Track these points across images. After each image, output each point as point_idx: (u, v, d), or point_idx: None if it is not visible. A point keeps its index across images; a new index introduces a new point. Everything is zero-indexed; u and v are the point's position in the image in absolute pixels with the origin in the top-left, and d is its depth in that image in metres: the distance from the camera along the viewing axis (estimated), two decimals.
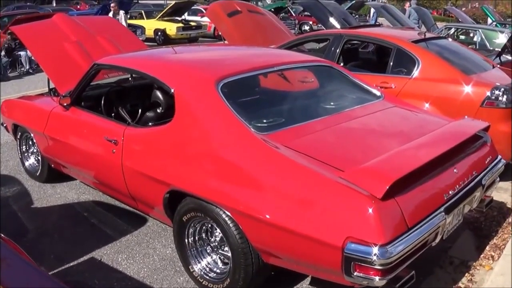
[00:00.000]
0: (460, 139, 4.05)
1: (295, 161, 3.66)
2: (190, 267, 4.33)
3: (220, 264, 4.35)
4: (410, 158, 3.68)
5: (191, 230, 4.38)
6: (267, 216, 3.62)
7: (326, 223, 3.42)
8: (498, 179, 4.68)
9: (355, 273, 3.33)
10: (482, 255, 4.89)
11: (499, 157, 4.65)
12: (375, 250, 3.20)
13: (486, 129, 4.59)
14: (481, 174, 4.27)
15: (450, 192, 3.81)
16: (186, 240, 4.44)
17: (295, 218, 3.52)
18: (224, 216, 3.90)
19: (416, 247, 3.47)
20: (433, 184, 3.72)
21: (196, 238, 4.40)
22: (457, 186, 3.91)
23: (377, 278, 3.31)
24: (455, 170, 3.96)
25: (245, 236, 3.84)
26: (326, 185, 3.47)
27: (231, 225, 3.86)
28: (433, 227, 3.54)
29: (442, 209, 3.70)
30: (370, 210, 3.26)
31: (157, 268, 4.81)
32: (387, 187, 3.26)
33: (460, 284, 4.47)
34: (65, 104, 5.67)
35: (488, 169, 4.38)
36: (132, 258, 4.96)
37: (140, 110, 5.96)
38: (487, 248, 5.00)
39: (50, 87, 7.00)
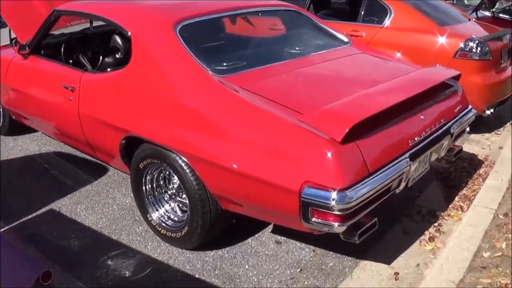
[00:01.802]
0: (427, 86, 3.82)
1: (253, 104, 3.43)
2: (148, 215, 4.23)
3: (178, 212, 4.15)
4: (373, 102, 3.44)
5: (148, 177, 4.17)
6: (223, 161, 3.41)
7: (283, 167, 3.20)
8: (468, 129, 4.48)
9: (313, 219, 3.13)
10: (451, 206, 4.71)
11: (470, 107, 4.45)
12: (334, 194, 3.00)
13: (457, 78, 4.37)
14: (450, 123, 4.05)
15: (416, 139, 3.60)
16: (144, 188, 4.24)
17: (251, 162, 3.31)
18: (180, 162, 3.69)
19: (378, 193, 3.26)
20: (397, 130, 3.50)
21: (154, 185, 4.19)
22: (424, 133, 3.69)
23: (336, 224, 3.11)
24: (422, 117, 3.75)
25: (202, 182, 3.63)
26: (284, 128, 3.24)
27: (187, 171, 3.65)
28: (397, 173, 3.33)
29: (406, 155, 3.48)
30: (329, 154, 3.04)
31: (116, 218, 4.62)
32: (347, 130, 3.03)
33: (426, 233, 4.27)
34: (24, 53, 5.34)
35: (457, 118, 4.16)
36: (91, 209, 4.77)
37: (101, 57, 5.68)
38: (456, 198, 4.83)
39: (12, 38, 6.66)
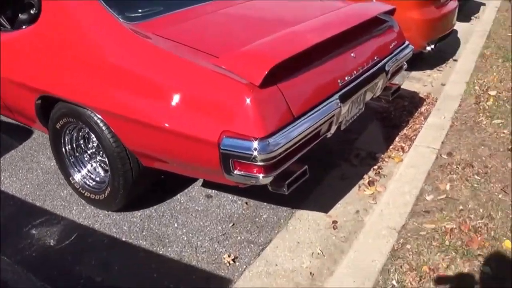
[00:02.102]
0: (357, 21, 3.52)
1: (165, 50, 3.08)
2: (70, 178, 3.94)
3: (101, 172, 3.86)
4: (296, 41, 3.13)
5: (67, 138, 3.84)
6: (137, 115, 3.08)
7: (200, 118, 2.90)
8: (405, 65, 4.23)
9: (236, 172, 2.87)
10: (391, 147, 4.50)
11: (406, 42, 4.18)
12: (255, 144, 2.72)
13: (392, 12, 4.08)
14: (384, 60, 3.80)
15: (347, 78, 3.33)
16: (64, 149, 3.92)
17: (166, 114, 2.99)
18: (95, 119, 3.36)
19: (306, 139, 3.01)
20: (325, 70, 3.22)
21: (74, 145, 3.88)
22: (355, 72, 3.43)
23: (260, 176, 2.85)
24: (352, 55, 3.47)
25: (119, 139, 3.30)
26: (197, 75, 2.93)
27: (103, 128, 3.33)
28: (325, 116, 3.07)
29: (336, 96, 3.21)
30: (248, 100, 2.75)
31: (41, 183, 4.29)
32: (265, 73, 2.74)
33: (366, 177, 4.06)
34: None
35: (392, 54, 3.90)
36: (15, 176, 4.42)
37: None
38: (397, 139, 4.61)
39: None
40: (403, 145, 4.43)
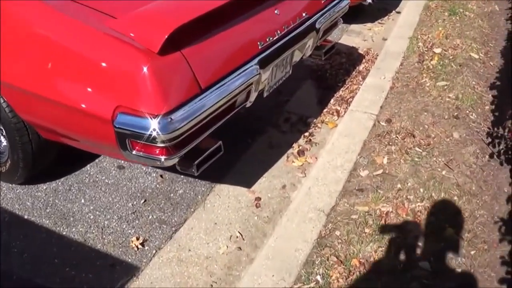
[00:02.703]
0: None
1: (57, 10, 2.55)
2: None
3: (3, 141, 3.33)
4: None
5: None
6: (24, 84, 2.66)
7: (92, 89, 2.47)
8: (341, 21, 3.79)
9: (134, 152, 2.46)
10: (325, 110, 4.09)
11: None
12: (153, 123, 2.29)
13: None
14: (315, 17, 3.34)
15: (268, 40, 2.88)
16: None
17: (54, 83, 2.56)
18: None
19: (217, 113, 2.57)
20: (241, 31, 2.75)
21: None
22: (279, 31, 2.97)
23: (162, 158, 2.45)
24: (276, 12, 3.00)
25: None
26: (89, 39, 2.44)
27: None
28: (240, 86, 2.64)
29: (255, 61, 2.77)
30: (144, 70, 2.29)
31: None
32: (166, 37, 2.28)
33: (295, 146, 3.65)
34: None
35: (325, 10, 3.44)
36: None
37: None
38: (332, 101, 4.20)
39: None
40: (339, 108, 4.02)
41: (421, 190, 3.09)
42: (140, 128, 2.32)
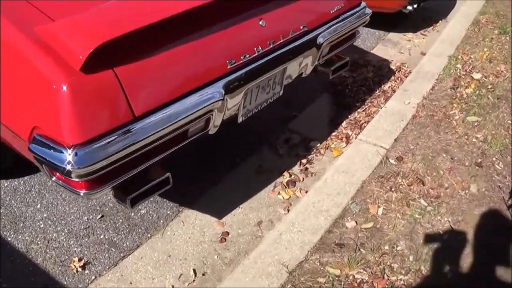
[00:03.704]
0: None
1: None
2: None
3: None
4: (157, 6, 2.19)
5: None
6: None
7: (15, 103, 2.14)
8: (358, 34, 3.21)
9: (54, 179, 2.11)
10: (334, 133, 3.55)
11: (363, 4, 3.14)
12: (67, 155, 1.90)
13: None
14: (317, 30, 2.80)
15: (243, 58, 2.38)
16: None
17: None
18: None
19: (160, 143, 2.16)
20: (204, 47, 2.28)
21: None
22: (260, 48, 2.46)
23: (81, 192, 2.07)
24: (261, 23, 2.49)
25: None
26: (14, 44, 2.07)
27: None
28: (192, 114, 2.16)
29: (219, 84, 2.28)
30: (62, 89, 1.89)
31: None
32: (89, 53, 1.85)
33: (286, 175, 3.23)
34: None
35: (332, 22, 2.88)
36: None
37: None
38: (344, 123, 3.66)
39: None
40: (350, 133, 3.49)
41: (411, 258, 2.56)
42: (54, 159, 1.94)
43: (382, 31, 4.96)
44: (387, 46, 4.79)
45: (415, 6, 4.84)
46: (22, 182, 3.09)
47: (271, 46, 2.50)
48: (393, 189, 2.90)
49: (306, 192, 3.01)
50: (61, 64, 1.90)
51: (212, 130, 2.42)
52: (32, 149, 1.99)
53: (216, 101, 2.24)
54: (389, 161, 3.11)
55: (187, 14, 2.11)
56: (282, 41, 2.56)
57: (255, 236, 2.78)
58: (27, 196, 3.01)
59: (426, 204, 2.84)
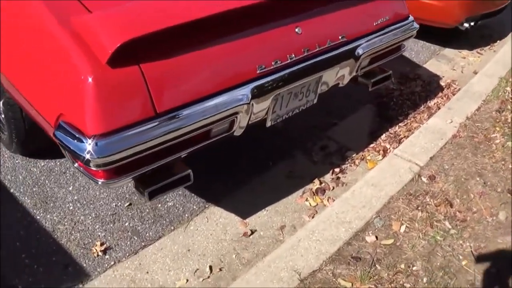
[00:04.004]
0: None
1: None
2: None
3: None
4: (191, 6, 2.23)
5: None
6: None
7: (45, 89, 2.20)
8: (404, 47, 3.16)
9: (76, 165, 2.16)
10: (372, 145, 3.51)
11: (410, 19, 3.08)
12: (87, 144, 1.96)
13: None
14: (357, 41, 2.77)
15: (274, 64, 2.39)
16: None
17: (18, 74, 2.39)
18: None
19: (181, 141, 2.20)
20: (235, 50, 2.30)
21: None
22: (293, 55, 2.45)
23: (100, 181, 2.12)
24: (297, 30, 2.49)
25: None
26: (49, 33, 2.14)
27: None
28: (214, 115, 2.19)
29: (246, 88, 2.30)
30: (88, 81, 1.94)
31: None
32: (117, 47, 1.89)
33: (316, 182, 3.21)
34: None
35: (375, 34, 2.85)
36: None
37: None
38: (383, 136, 3.61)
39: None
40: (388, 146, 3.44)
41: (424, 280, 2.51)
42: (75, 147, 2.01)
43: (438, 45, 4.86)
44: (440, 62, 4.68)
45: (472, 23, 4.70)
46: (58, 163, 3.18)
47: (305, 54, 2.48)
48: (419, 208, 2.84)
49: (334, 201, 2.95)
50: (89, 56, 1.95)
51: (237, 132, 2.43)
52: (56, 135, 2.05)
53: (241, 104, 2.24)
54: (421, 179, 3.05)
55: (220, 16, 2.12)
56: (317, 49, 2.54)
57: (276, 239, 2.78)
58: (61, 178, 3.10)
59: (450, 227, 2.76)
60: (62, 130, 2.04)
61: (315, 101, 2.77)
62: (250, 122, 2.43)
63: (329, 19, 2.62)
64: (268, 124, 2.59)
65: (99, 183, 2.09)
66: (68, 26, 2.04)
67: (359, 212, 2.79)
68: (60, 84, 2.06)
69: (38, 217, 2.83)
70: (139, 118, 2.02)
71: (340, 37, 2.63)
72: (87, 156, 1.95)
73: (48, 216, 2.85)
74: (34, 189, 3.01)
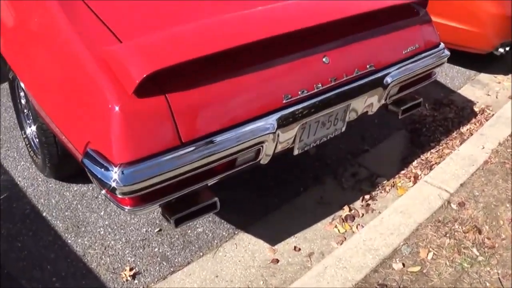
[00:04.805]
0: (338, 15, 2.51)
1: (64, 19, 2.32)
2: (23, 131, 3.45)
3: None
4: (215, 36, 2.24)
5: (20, 91, 3.29)
6: (32, 91, 2.60)
7: (74, 116, 2.27)
8: (435, 75, 3.11)
9: (103, 192, 2.20)
10: (403, 172, 3.46)
11: (441, 46, 3.04)
12: (113, 173, 2.00)
13: (422, 4, 2.94)
14: (386, 70, 2.74)
15: (301, 93, 2.38)
16: (19, 101, 3.41)
17: (48, 100, 2.46)
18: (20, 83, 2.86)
19: (207, 169, 2.22)
20: (261, 80, 2.30)
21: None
22: (320, 85, 2.44)
23: (126, 208, 2.16)
24: (324, 60, 2.48)
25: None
26: (78, 62, 2.22)
27: (27, 92, 2.78)
28: (240, 144, 2.19)
29: (272, 117, 2.30)
30: (115, 110, 2.00)
31: (6, 127, 3.86)
32: (143, 77, 1.94)
33: (346, 209, 3.21)
34: None
35: (404, 63, 2.81)
36: None
37: None
38: (414, 163, 3.55)
39: None
40: (419, 173, 3.39)
41: None
42: (102, 175, 2.05)
43: (473, 71, 4.77)
44: (475, 87, 4.58)
45: (507, 48, 4.58)
46: (90, 188, 3.24)
47: (333, 83, 2.47)
48: (447, 235, 2.79)
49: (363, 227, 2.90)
50: (117, 86, 2.01)
51: (264, 161, 2.42)
52: (84, 163, 2.07)
53: (267, 134, 2.23)
54: (450, 206, 2.99)
55: (247, 46, 2.12)
56: (345, 79, 2.52)
57: (304, 266, 2.76)
58: (93, 202, 3.15)
59: (478, 254, 2.70)
60: (90, 157, 2.06)
61: (343, 129, 2.74)
62: (276, 151, 2.40)
63: (357, 48, 2.60)
64: (296, 152, 2.56)
65: (126, 210, 2.13)
66: (98, 56, 2.05)
67: (387, 240, 2.74)
68: (88, 112, 2.12)
69: (69, 241, 2.89)
70: (165, 147, 2.04)
71: (368, 66, 2.60)
72: (113, 184, 1.98)
73: (79, 240, 2.90)
74: (67, 213, 3.07)
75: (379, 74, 2.69)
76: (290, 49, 2.40)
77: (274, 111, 2.30)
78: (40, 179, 3.30)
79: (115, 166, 1.96)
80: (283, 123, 2.31)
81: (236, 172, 2.38)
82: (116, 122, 1.96)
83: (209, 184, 2.33)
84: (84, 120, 2.13)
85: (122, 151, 1.97)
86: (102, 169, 2.02)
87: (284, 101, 2.32)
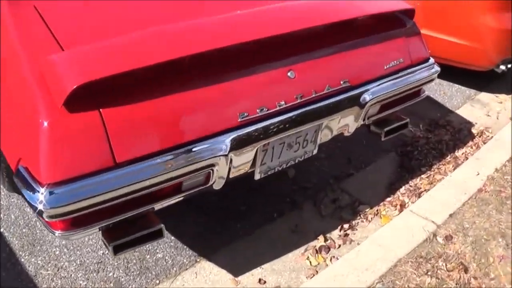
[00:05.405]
0: (306, 24, 2.35)
1: (11, 20, 2.19)
2: None
3: None
4: (163, 45, 2.09)
5: None
6: None
7: (9, 128, 2.16)
8: (424, 93, 2.93)
9: (35, 214, 1.96)
10: (388, 199, 3.25)
11: (431, 61, 2.86)
12: (39, 194, 1.85)
13: (409, 14, 2.77)
14: (363, 87, 2.56)
15: (260, 111, 2.21)
16: None
17: None
18: None
19: (146, 194, 2.05)
20: (215, 96, 2.14)
21: None
22: (283, 102, 2.28)
23: (56, 232, 2.00)
24: (289, 74, 2.31)
25: None
26: (16, 72, 2.09)
27: None
28: (183, 167, 2.02)
29: (225, 138, 2.12)
30: (43, 125, 1.84)
31: None
32: (72, 89, 1.78)
33: (321, 239, 3.02)
34: None
35: (385, 80, 2.64)
36: None
37: None
38: (402, 189, 3.34)
39: None
40: (406, 200, 3.19)
41: None
42: (28, 196, 1.90)
43: (473, 89, 4.55)
44: (474, 107, 4.36)
45: (509, 66, 4.37)
46: None
47: (299, 100, 2.29)
48: (429, 273, 2.58)
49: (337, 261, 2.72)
50: (47, 99, 1.84)
51: (217, 185, 2.24)
52: (15, 180, 1.92)
53: (217, 156, 2.07)
54: (436, 239, 2.79)
55: (198, 56, 1.97)
56: (313, 96, 2.34)
57: None
58: None
59: None
60: (19, 176, 1.89)
61: (315, 151, 2.56)
62: (232, 175, 2.23)
63: (329, 61, 2.41)
64: (257, 177, 2.39)
65: (56, 234, 1.95)
66: (35, 65, 1.92)
67: (360, 276, 2.55)
68: (20, 126, 1.98)
69: (23, 260, 2.76)
70: (97, 167, 1.85)
71: (342, 82, 2.42)
72: (39, 206, 1.82)
73: (33, 259, 2.77)
74: (24, 230, 2.95)
75: (355, 92, 2.49)
76: (250, 61, 2.21)
77: (227, 130, 2.12)
78: (3, 193, 3.18)
79: (42, 187, 1.80)
80: (237, 145, 2.13)
81: (185, 196, 2.21)
82: (44, 138, 1.81)
83: (155, 209, 2.16)
84: (17, 134, 1.98)
85: (49, 170, 1.81)
86: (29, 190, 1.85)
87: (239, 120, 2.15)
